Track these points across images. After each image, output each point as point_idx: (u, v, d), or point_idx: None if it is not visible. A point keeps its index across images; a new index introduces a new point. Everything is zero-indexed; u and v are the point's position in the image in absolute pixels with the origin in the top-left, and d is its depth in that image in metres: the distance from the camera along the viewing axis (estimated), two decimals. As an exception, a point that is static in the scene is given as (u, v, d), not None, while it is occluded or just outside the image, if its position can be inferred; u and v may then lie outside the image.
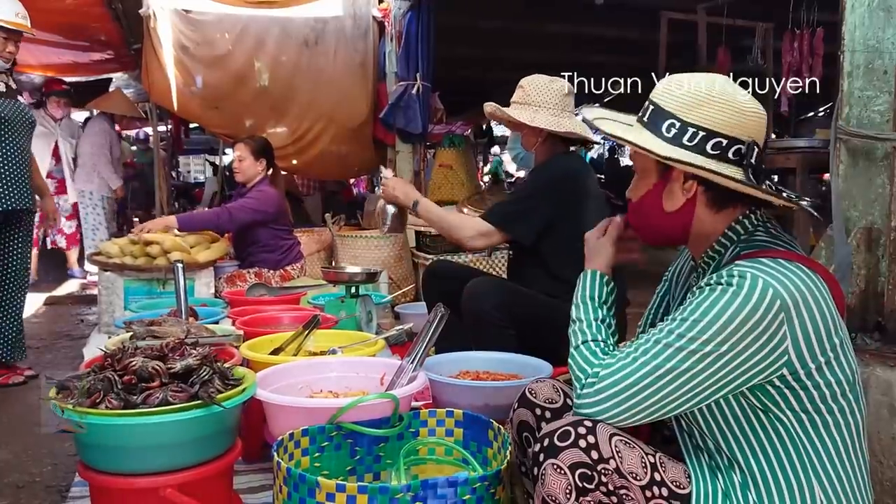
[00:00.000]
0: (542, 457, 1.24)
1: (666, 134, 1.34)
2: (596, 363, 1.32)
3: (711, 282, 1.24)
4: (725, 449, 1.28)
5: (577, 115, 2.74)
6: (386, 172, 3.01)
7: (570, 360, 1.38)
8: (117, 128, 7.48)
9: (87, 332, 4.72)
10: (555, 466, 1.22)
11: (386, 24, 5.92)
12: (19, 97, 3.61)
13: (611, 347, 1.39)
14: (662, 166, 1.37)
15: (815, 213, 1.50)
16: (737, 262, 1.27)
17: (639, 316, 1.77)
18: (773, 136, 4.47)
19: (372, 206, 6.81)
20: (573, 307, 1.49)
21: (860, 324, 2.08)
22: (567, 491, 1.21)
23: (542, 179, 2.71)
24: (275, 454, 1.48)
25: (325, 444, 1.66)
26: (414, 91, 5.56)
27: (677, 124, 1.32)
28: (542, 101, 2.66)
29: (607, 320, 1.46)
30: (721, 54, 6.32)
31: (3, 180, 3.40)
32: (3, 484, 2.36)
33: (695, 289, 1.29)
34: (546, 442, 1.24)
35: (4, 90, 3.48)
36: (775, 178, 4.80)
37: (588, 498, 1.21)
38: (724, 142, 1.31)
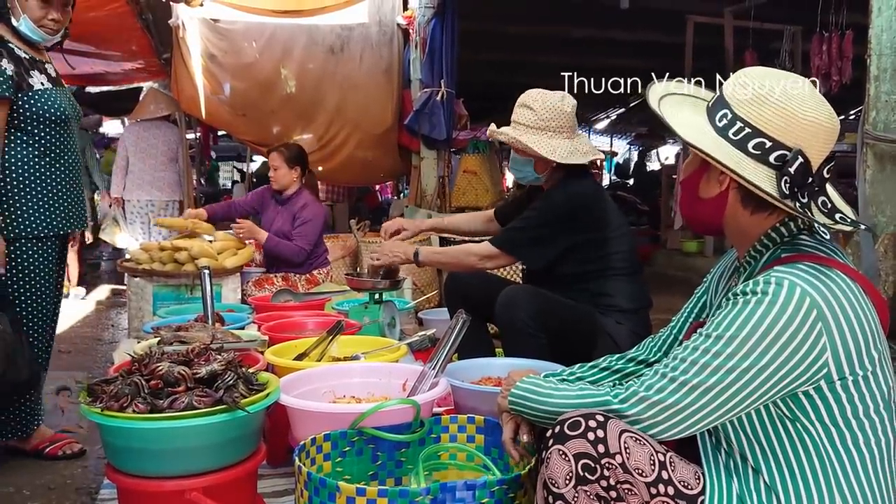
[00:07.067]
0: (550, 442, 1.27)
1: (717, 123, 1.32)
2: (620, 389, 1.31)
3: (747, 290, 1.21)
4: (749, 455, 1.27)
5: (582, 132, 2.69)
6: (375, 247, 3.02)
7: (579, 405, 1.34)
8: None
9: (117, 336, 4.80)
10: (560, 452, 1.24)
11: (410, 31, 5.96)
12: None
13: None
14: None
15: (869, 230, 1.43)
16: (773, 267, 1.24)
17: (662, 322, 1.76)
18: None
19: (397, 211, 6.84)
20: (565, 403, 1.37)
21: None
22: (567, 477, 1.24)
23: (556, 208, 2.56)
24: (297, 459, 1.50)
25: (347, 448, 1.67)
26: (438, 98, 5.59)
27: (729, 115, 1.30)
28: (556, 125, 2.53)
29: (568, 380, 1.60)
30: (748, 57, 6.27)
31: (67, 197, 2.57)
32: (35, 485, 2.41)
33: (730, 295, 1.26)
34: (557, 429, 1.27)
35: (55, 75, 2.57)
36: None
37: (586, 488, 1.23)
38: (768, 144, 1.26)
